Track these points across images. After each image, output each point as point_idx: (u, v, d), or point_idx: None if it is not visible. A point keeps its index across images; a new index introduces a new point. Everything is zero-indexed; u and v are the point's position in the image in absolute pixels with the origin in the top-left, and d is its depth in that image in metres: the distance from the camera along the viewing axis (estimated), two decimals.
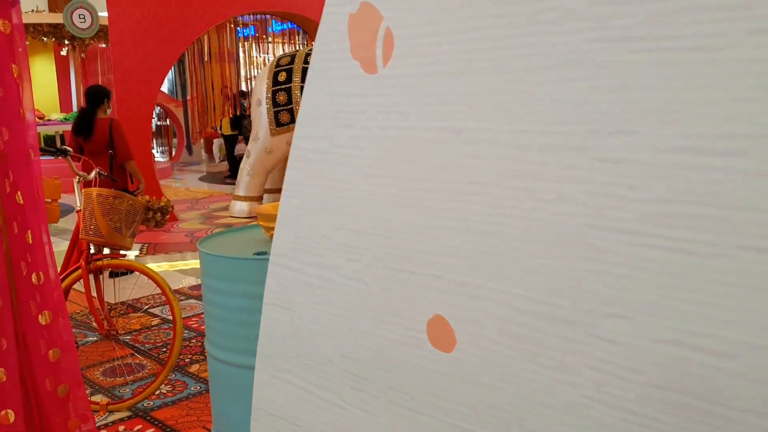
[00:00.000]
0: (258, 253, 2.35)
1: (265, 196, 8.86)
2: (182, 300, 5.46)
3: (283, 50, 10.56)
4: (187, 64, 10.94)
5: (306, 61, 8.11)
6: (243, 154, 13.65)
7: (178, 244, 7.26)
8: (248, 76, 14.80)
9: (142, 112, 8.13)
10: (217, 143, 14.61)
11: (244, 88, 14.75)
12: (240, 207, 8.57)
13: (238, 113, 13.19)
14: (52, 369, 2.62)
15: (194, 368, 4.03)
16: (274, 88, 8.14)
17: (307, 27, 9.88)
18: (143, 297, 5.45)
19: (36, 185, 2.54)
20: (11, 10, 2.48)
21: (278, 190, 9.22)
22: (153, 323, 4.90)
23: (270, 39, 11.34)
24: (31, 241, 2.50)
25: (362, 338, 1.10)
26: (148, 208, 3.86)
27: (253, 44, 13.86)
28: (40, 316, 2.56)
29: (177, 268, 6.59)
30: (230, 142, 13.32)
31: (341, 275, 1.12)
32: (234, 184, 12.94)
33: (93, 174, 3.83)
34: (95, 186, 3.71)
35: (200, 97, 10.63)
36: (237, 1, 8.53)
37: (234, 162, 13.31)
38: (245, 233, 2.71)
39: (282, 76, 8.14)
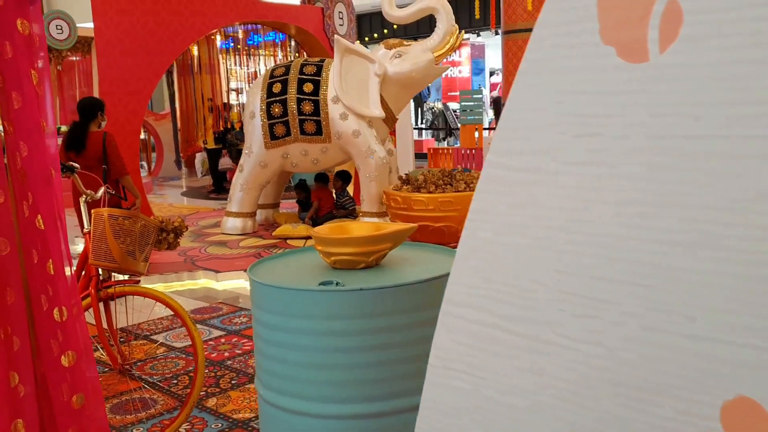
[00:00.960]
0: (323, 283, 2.05)
1: (259, 211, 8.52)
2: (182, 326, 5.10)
3: (275, 62, 10.25)
4: (176, 76, 10.57)
5: (302, 72, 7.82)
6: (227, 169, 13.31)
7: (173, 264, 6.90)
8: (231, 89, 14.45)
9: (131, 126, 7.76)
10: (200, 157, 14.21)
11: (227, 100, 14.41)
12: (233, 223, 8.21)
13: (229, 126, 12.82)
14: (75, 417, 2.29)
15: (212, 402, 3.70)
16: (269, 99, 7.83)
17: (299, 37, 9.59)
18: (143, 323, 5.10)
19: (57, 207, 2.22)
20: (29, 9, 2.18)
21: (272, 205, 8.86)
22: (159, 352, 4.55)
23: (261, 51, 11.00)
24: (52, 272, 2.18)
25: (602, 423, 0.82)
26: (161, 229, 3.53)
27: (238, 55, 13.56)
28: (62, 356, 2.24)
29: (173, 290, 6.23)
30: (214, 156, 12.95)
31: (564, 335, 0.84)
32: (218, 199, 12.57)
33: (101, 192, 3.50)
34: (104, 205, 3.38)
35: (190, 110, 10.27)
36: (229, 10, 8.22)
37: (218, 176, 12.94)
38: (299, 258, 2.41)
39: (277, 88, 7.83)
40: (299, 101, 7.71)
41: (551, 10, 0.82)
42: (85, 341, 2.30)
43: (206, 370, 4.16)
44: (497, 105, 15.78)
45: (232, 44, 13.76)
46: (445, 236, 6.89)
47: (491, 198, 0.89)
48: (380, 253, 2.17)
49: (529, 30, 10.49)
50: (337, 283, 2.02)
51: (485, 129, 13.35)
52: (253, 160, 8.03)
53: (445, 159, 12.63)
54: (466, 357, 0.94)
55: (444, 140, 18.83)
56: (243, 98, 13.20)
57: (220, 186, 12.90)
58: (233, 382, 3.97)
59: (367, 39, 16.85)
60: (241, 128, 13.68)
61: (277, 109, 7.77)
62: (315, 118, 7.70)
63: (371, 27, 17.77)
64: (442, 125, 18.63)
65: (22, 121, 2.13)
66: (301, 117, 7.71)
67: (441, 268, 2.15)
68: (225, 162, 12.96)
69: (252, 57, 13.61)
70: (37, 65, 2.17)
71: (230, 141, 13.21)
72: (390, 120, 7.90)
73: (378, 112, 7.56)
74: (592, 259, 0.80)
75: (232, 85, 14.51)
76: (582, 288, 0.82)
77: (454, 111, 18.97)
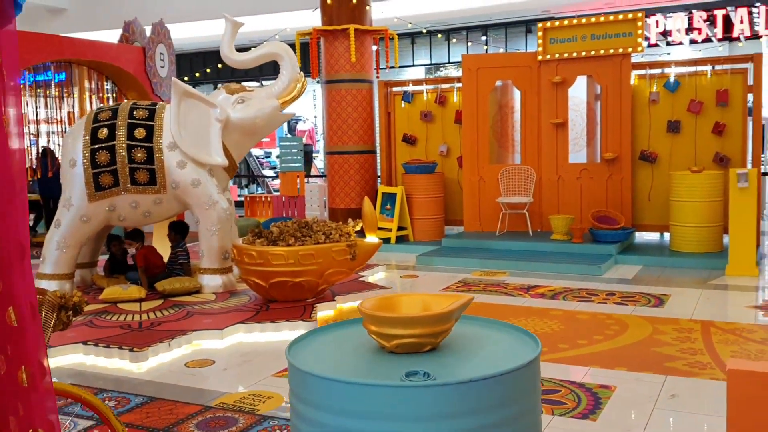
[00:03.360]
0: (409, 374, 1.71)
1: (77, 271, 7.52)
2: None
3: (48, 103, 9.06)
4: None
5: (132, 116, 7.11)
6: None
7: None
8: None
9: None
10: None
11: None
12: (48, 287, 7.14)
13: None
14: None
15: None
16: (93, 146, 7.00)
17: (117, 78, 8.76)
18: None
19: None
20: None
21: (89, 265, 7.85)
22: None
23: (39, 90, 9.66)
24: (15, 323, 1.58)
25: None
26: (61, 306, 2.86)
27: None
28: None
29: None
30: None
31: None
32: None
33: None
34: None
35: None
36: (43, 45, 7.28)
37: None
38: (340, 334, 2.02)
39: (103, 133, 7.03)
40: (130, 148, 6.99)
41: None
42: (52, 419, 1.71)
43: None
44: (306, 153, 15.68)
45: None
46: (304, 291, 6.55)
47: None
48: (447, 333, 1.88)
49: (352, 80, 10.59)
50: (426, 374, 1.70)
51: (313, 176, 13.16)
52: (72, 214, 7.10)
53: (263, 207, 12.24)
54: None
55: (246, 187, 18.33)
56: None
57: None
58: None
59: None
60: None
61: (103, 157, 6.97)
62: (148, 166, 7.02)
63: (192, 67, 17.05)
64: (244, 172, 18.14)
65: None
66: (132, 165, 6.99)
67: (512, 346, 1.90)
68: None
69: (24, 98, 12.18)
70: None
71: None
72: (231, 168, 7.43)
73: (221, 159, 7.08)
74: None
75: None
76: None
77: (257, 158, 18.59)
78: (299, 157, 11.75)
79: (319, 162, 18.21)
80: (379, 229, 10.21)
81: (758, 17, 12.67)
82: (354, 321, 2.09)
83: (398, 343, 1.83)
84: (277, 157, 20.85)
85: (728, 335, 5.58)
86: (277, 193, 14.63)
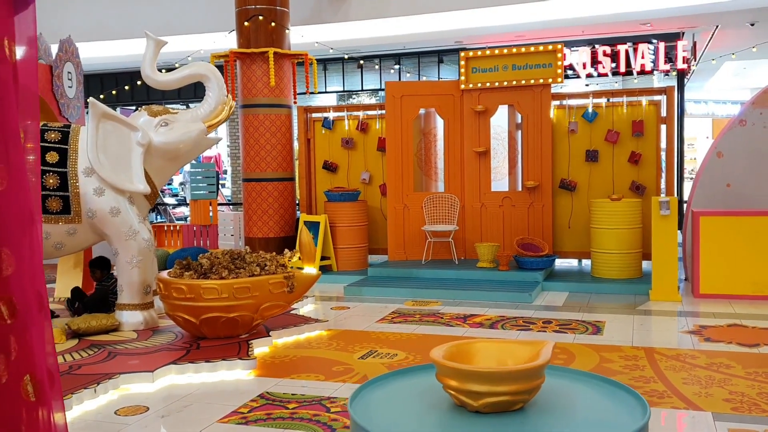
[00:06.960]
0: None
1: None
2: None
3: None
4: None
5: (44, 138, 6.50)
6: None
7: None
8: None
9: None
10: None
11: None
12: None
13: None
14: None
15: None
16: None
17: None
18: None
19: (39, 278, 1.25)
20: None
21: None
22: None
23: None
24: (32, 396, 1.21)
25: None
26: None
27: None
28: None
29: None
30: None
31: None
32: None
33: None
34: None
35: None
36: None
37: None
38: (402, 387, 1.72)
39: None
40: (41, 173, 6.37)
41: None
42: None
43: None
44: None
45: None
46: (238, 327, 6.12)
47: None
48: (540, 388, 1.63)
49: (270, 105, 10.23)
50: None
51: (220, 204, 12.60)
52: None
53: (172, 237, 11.61)
54: None
55: None
56: None
57: None
58: None
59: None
60: None
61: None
62: (62, 193, 6.43)
63: (102, 87, 16.11)
64: None
65: None
66: (44, 192, 6.38)
67: (605, 401, 1.68)
68: None
69: None
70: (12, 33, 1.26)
71: None
72: (153, 196, 6.93)
73: (143, 186, 6.58)
74: None
75: None
76: None
77: None
78: (212, 185, 11.24)
79: (225, 190, 17.61)
80: None
81: (653, 54, 13.29)
82: (414, 369, 1.81)
83: (488, 402, 1.56)
84: (181, 184, 20.05)
85: (673, 362, 5.60)
86: (182, 222, 13.97)
